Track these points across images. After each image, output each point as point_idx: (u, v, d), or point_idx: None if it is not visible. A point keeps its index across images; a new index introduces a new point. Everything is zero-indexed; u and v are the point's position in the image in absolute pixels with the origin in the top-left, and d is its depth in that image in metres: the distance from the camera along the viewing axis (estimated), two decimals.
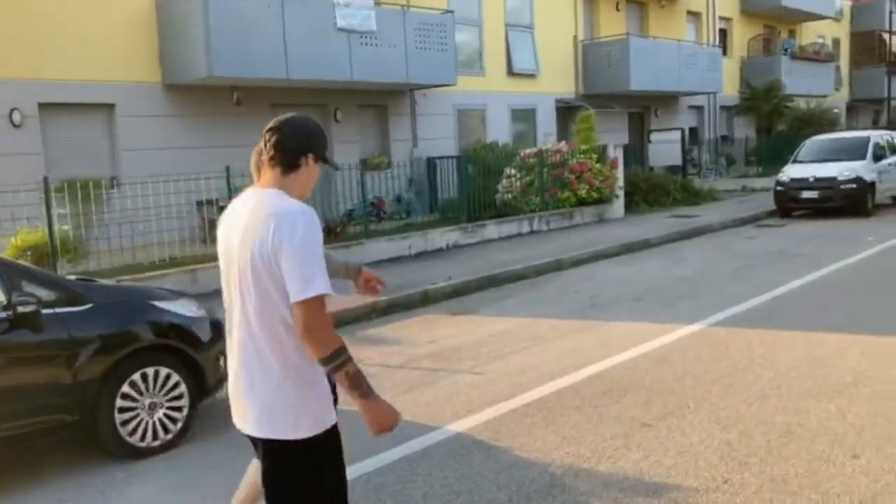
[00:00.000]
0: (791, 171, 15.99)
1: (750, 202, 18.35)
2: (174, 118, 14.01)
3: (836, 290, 8.59)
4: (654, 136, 21.85)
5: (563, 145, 15.93)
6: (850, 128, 31.35)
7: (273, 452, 2.48)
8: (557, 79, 22.22)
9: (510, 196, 15.24)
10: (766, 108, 28.91)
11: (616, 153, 16.14)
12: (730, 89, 29.24)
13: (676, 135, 21.12)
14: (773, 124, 29.80)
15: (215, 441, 5.03)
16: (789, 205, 15.74)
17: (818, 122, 26.83)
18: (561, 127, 22.38)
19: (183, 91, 13.93)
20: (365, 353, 6.99)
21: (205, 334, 5.18)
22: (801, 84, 30.09)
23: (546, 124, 22.16)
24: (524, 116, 22.03)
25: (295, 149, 2.53)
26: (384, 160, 17.27)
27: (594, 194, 15.45)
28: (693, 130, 28.20)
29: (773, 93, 28.59)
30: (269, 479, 2.51)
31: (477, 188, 14.63)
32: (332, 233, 12.49)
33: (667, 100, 26.39)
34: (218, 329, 5.41)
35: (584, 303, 8.61)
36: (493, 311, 8.53)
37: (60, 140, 12.74)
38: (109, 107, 13.28)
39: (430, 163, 17.27)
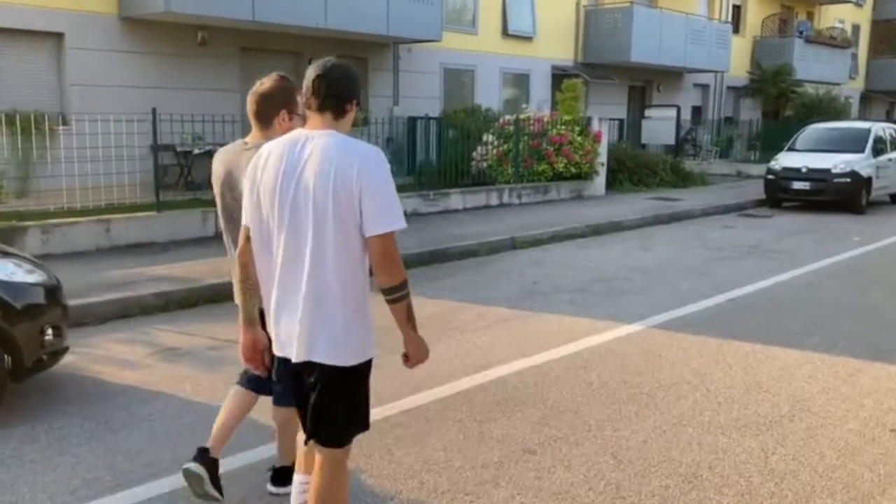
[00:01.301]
0: (784, 160, 15.08)
1: (740, 189, 17.46)
2: (131, 54, 13.09)
3: (803, 295, 7.78)
4: (649, 112, 20.86)
5: (542, 114, 14.99)
6: (862, 119, 30.22)
7: (332, 377, 2.61)
8: (556, 44, 21.16)
9: (486, 164, 14.38)
10: (774, 92, 27.78)
11: (601, 126, 15.21)
12: (739, 70, 28.07)
13: (672, 112, 20.12)
14: (780, 109, 28.69)
15: (35, 427, 4.29)
16: (779, 195, 14.85)
17: (825, 109, 25.70)
18: (556, 96, 21.37)
19: (141, 26, 13.00)
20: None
21: (23, 302, 4.39)
22: (813, 69, 28.89)
23: (540, 91, 21.14)
24: (517, 82, 21.00)
25: (344, 96, 2.62)
26: (361, 117, 16.37)
27: (572, 169, 14.56)
28: (697, 109, 27.14)
29: (782, 76, 27.45)
30: (323, 401, 2.63)
31: (456, 153, 13.78)
32: None
33: (670, 75, 25.27)
34: (54, 296, 4.64)
35: (524, 290, 7.81)
36: (428, 291, 7.73)
37: (1, 69, 11.87)
38: (58, 36, 12.36)
39: (411, 123, 16.37)
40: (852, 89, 34.77)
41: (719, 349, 5.84)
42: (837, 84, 31.27)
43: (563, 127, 14.59)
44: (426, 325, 6.26)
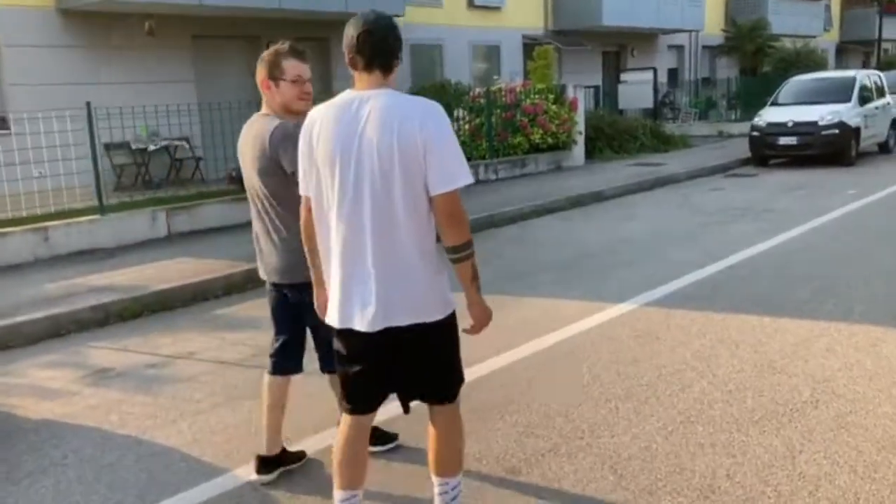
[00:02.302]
0: (768, 115, 14.43)
1: (724, 149, 16.82)
2: (73, 49, 12.25)
3: (806, 257, 7.16)
4: (624, 77, 20.15)
5: (514, 84, 14.26)
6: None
7: (425, 336, 2.55)
8: (525, 12, 20.39)
9: (459, 140, 13.63)
10: (751, 48, 27.13)
11: (576, 94, 14.50)
12: (714, 28, 27.37)
13: (648, 75, 19.43)
14: (758, 65, 28.05)
15: None
16: (765, 152, 14.21)
17: (804, 63, 25.07)
18: (528, 67, 20.63)
19: (82, 18, 12.15)
20: (206, 340, 5.53)
21: None
22: (788, 23, 28.25)
23: (512, 63, 20.37)
24: (487, 54, 20.23)
25: (392, 50, 2.52)
26: (324, 98, 15.60)
27: (550, 140, 13.87)
28: (673, 72, 26.46)
29: (758, 31, 26.78)
30: (425, 361, 2.61)
31: None
32: (237, 181, 10.91)
33: (644, 38, 24.55)
34: None
35: (504, 271, 7.14)
36: None
37: None
38: None
39: None
40: (828, 41, 34.20)
41: (723, 326, 5.20)
42: (812, 37, 30.65)
43: (537, 96, 13.87)
44: None
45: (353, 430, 2.71)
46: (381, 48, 2.47)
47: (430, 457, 2.76)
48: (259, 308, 6.43)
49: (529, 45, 20.76)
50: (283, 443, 3.53)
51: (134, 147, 12.30)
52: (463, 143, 13.51)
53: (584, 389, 4.26)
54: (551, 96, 14.11)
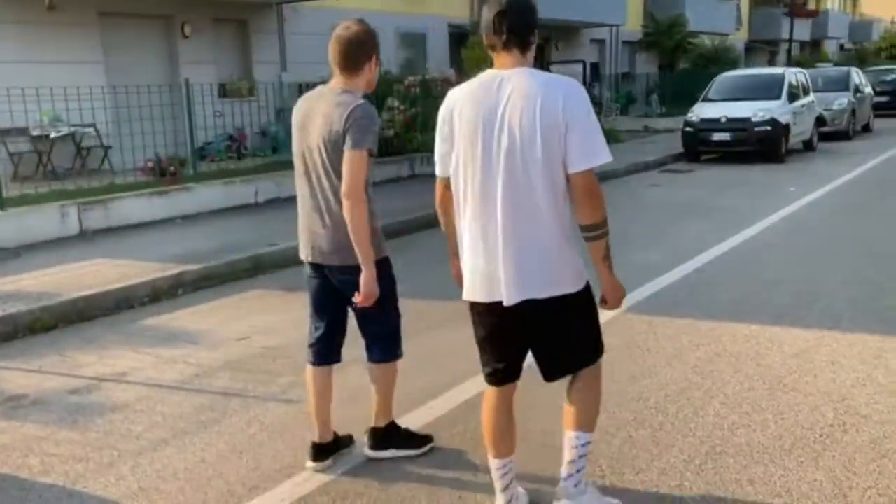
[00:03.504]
0: (701, 111, 14.44)
1: (654, 144, 16.81)
2: None
3: (771, 258, 6.95)
4: (554, 69, 19.90)
5: (450, 73, 13.73)
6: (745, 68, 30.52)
7: (557, 308, 2.61)
8: (450, 0, 19.90)
9: (392, 132, 13.02)
10: (670, 45, 27.51)
11: None
12: (633, 23, 27.60)
13: (578, 68, 19.26)
14: (676, 61, 28.52)
15: None
16: (698, 147, 14.21)
17: (722, 60, 25.63)
18: (454, 56, 20.14)
19: None
20: (136, 358, 4.80)
21: None
22: (703, 21, 28.80)
23: (437, 53, 19.87)
24: (413, 42, 19.65)
25: (527, 28, 2.55)
26: (246, 86, 14.68)
27: None
28: (594, 66, 26.53)
29: (677, 28, 27.18)
30: (565, 330, 2.67)
31: None
32: (166, 173, 10.04)
33: (568, 31, 24.51)
34: None
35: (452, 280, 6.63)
36: None
37: None
38: None
39: (303, 90, 14.75)
40: (737, 40, 35.16)
41: (713, 336, 4.85)
42: (725, 35, 31.39)
43: None
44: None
45: (498, 400, 2.79)
46: (517, 27, 2.51)
47: (568, 411, 2.83)
48: (194, 317, 5.75)
49: (455, 35, 20.32)
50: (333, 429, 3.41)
51: (34, 133, 11.15)
52: (396, 135, 12.93)
53: (543, 430, 3.79)
54: None
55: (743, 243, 7.52)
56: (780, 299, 5.60)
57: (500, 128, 2.48)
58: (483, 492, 3.10)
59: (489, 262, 2.57)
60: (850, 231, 8.03)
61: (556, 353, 2.71)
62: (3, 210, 7.71)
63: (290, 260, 7.27)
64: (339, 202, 3.02)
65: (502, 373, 2.74)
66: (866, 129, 19.46)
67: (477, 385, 4.15)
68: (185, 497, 3.16)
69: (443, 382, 4.22)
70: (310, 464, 3.32)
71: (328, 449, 3.36)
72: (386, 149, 12.73)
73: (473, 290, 2.65)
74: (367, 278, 3.02)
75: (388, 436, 3.41)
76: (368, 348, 3.35)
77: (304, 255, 3.27)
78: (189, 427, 3.82)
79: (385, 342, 3.33)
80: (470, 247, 2.62)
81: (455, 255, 2.78)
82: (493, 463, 2.83)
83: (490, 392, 2.80)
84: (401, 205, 9.57)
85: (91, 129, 11.30)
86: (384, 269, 3.21)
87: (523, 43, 2.53)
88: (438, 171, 2.72)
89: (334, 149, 3.00)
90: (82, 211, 8.21)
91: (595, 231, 2.54)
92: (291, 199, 10.95)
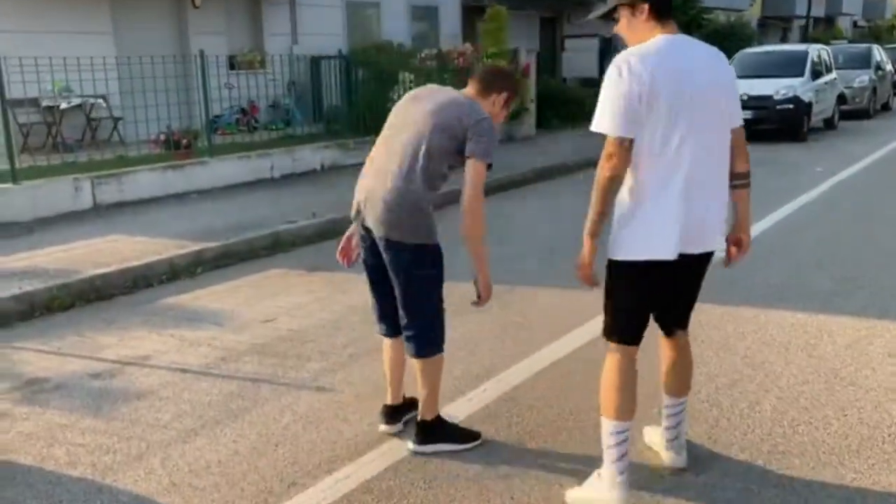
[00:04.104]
0: None
1: None
2: None
3: (806, 240, 6.74)
4: (569, 44, 19.58)
5: (467, 47, 13.42)
6: (760, 45, 30.06)
7: (703, 262, 2.82)
8: None
9: None
10: (684, 20, 26.95)
11: (528, 59, 13.81)
12: None
13: (594, 42, 18.90)
14: (691, 33, 28.06)
15: None
16: None
17: (738, 36, 25.15)
18: (467, 29, 19.77)
19: None
20: (159, 340, 4.62)
21: None
22: None
23: (450, 25, 19.49)
24: (425, 15, 19.26)
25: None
26: (257, 58, 14.38)
27: None
28: (607, 41, 26.10)
29: (691, 3, 26.67)
30: (697, 286, 2.93)
31: (368, 95, 12.06)
32: (179, 146, 9.81)
33: (581, 5, 24.01)
34: None
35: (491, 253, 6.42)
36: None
37: None
38: None
39: (315, 63, 14.46)
40: (750, 16, 34.60)
41: (758, 323, 4.66)
42: (740, 11, 30.86)
43: (490, 61, 13.10)
44: (355, 318, 4.86)
45: (628, 360, 2.84)
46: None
47: (668, 379, 3.03)
48: (215, 297, 5.56)
49: (468, 8, 19.93)
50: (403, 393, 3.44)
51: (44, 104, 10.90)
52: None
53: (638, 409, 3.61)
54: (503, 62, 13.35)
55: (774, 225, 7.30)
56: (822, 285, 5.40)
57: (694, 88, 2.59)
58: (536, 489, 2.93)
59: (699, 215, 2.66)
60: (883, 212, 7.80)
61: (681, 307, 2.98)
62: (16, 183, 7.51)
63: (309, 238, 7.11)
64: (416, 177, 3.01)
65: (638, 332, 2.83)
66: (886, 107, 19.14)
67: (516, 375, 4.00)
68: (221, 494, 2.98)
69: (479, 372, 4.05)
70: (383, 427, 3.37)
71: (400, 411, 3.40)
72: None
73: (671, 244, 2.64)
74: (484, 283, 3.18)
75: (434, 430, 3.24)
76: (408, 340, 3.20)
77: (353, 213, 3.25)
78: (219, 416, 3.64)
79: (422, 334, 3.16)
80: (676, 203, 2.61)
81: (598, 234, 2.70)
82: (618, 426, 2.79)
83: (622, 353, 2.83)
84: None
85: (101, 101, 11.05)
86: (433, 255, 3.11)
87: (668, 12, 2.72)
88: (624, 130, 2.54)
89: (446, 135, 3.01)
90: (96, 185, 8.01)
91: (748, 178, 2.87)
92: (307, 175, 10.86)
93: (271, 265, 6.39)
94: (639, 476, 2.96)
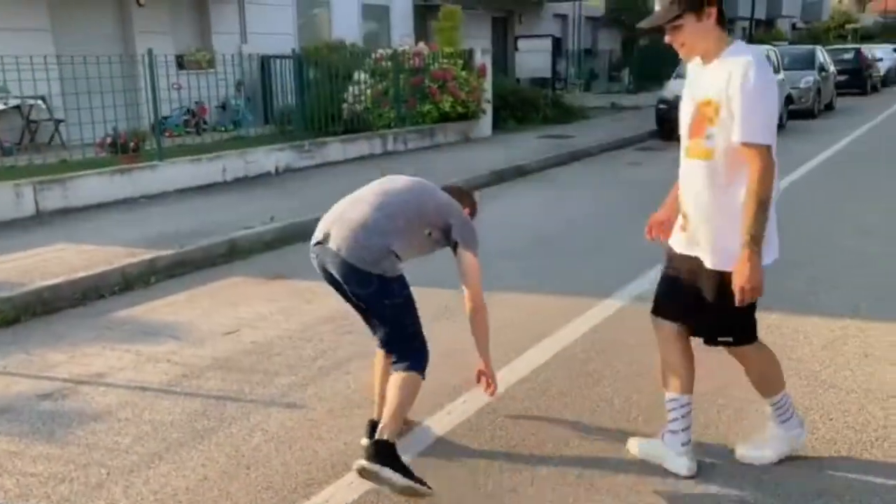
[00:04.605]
0: (675, 88, 14.21)
1: (624, 121, 16.62)
2: None
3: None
4: (521, 44, 19.55)
5: (422, 47, 13.27)
6: None
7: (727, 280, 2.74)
8: None
9: (360, 107, 12.55)
10: (632, 21, 27.33)
11: (483, 59, 13.73)
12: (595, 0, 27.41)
13: (547, 43, 18.92)
14: (637, 39, 28.40)
15: None
16: (674, 125, 13.99)
17: None
18: (419, 29, 19.63)
19: None
20: (113, 356, 4.35)
21: None
22: None
23: (402, 25, 19.33)
24: (377, 14, 19.07)
25: None
26: (206, 57, 13.99)
27: (459, 108, 13.03)
28: (557, 41, 26.26)
29: (640, 4, 27.00)
30: (718, 303, 2.82)
31: (321, 96, 11.82)
32: (125, 150, 9.43)
33: (531, 5, 24.17)
34: None
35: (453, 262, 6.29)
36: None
37: None
38: None
39: (265, 63, 14.14)
40: None
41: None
42: None
43: (445, 61, 12.98)
44: (341, 325, 4.68)
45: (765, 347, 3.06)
46: None
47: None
48: (172, 308, 5.29)
49: (420, 7, 19.80)
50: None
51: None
52: (365, 110, 12.47)
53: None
54: (460, 62, 13.26)
55: None
56: (795, 285, 5.39)
57: None
58: None
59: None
60: (843, 211, 7.90)
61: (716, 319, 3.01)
62: None
63: (268, 244, 6.87)
64: (388, 235, 2.96)
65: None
66: (829, 107, 19.59)
67: (502, 385, 3.85)
68: None
69: (457, 382, 3.88)
70: (365, 441, 3.11)
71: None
72: (355, 124, 12.27)
73: (776, 251, 2.91)
74: (489, 370, 3.34)
75: (389, 454, 2.78)
76: (391, 356, 3.08)
77: (316, 243, 3.04)
78: (183, 437, 3.42)
79: (404, 353, 3.01)
80: (774, 214, 2.82)
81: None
82: (685, 398, 3.00)
83: (760, 344, 3.03)
84: None
85: (40, 102, 10.59)
86: (399, 282, 3.01)
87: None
88: (769, 139, 2.63)
89: (432, 211, 3.12)
90: (38, 190, 7.62)
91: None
92: (261, 178, 10.57)
93: (229, 273, 6.13)
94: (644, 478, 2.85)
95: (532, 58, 18.52)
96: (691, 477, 2.95)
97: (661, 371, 3.10)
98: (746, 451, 3.10)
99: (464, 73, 13.16)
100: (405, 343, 3.04)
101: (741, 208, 2.65)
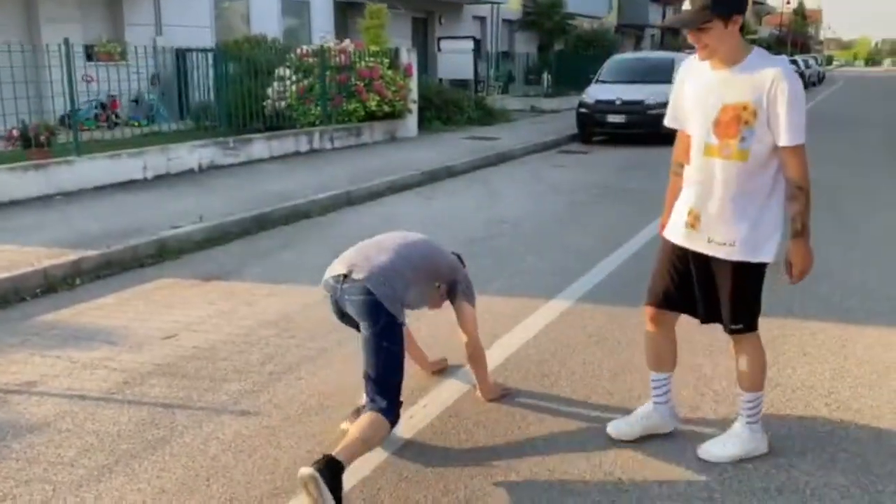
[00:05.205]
0: (595, 93, 14.57)
1: (545, 124, 16.89)
2: None
3: None
4: (444, 45, 19.62)
5: (348, 44, 13.10)
6: (614, 52, 31.48)
7: (753, 270, 2.96)
8: None
9: (284, 104, 12.29)
10: (549, 25, 27.85)
11: (409, 58, 13.67)
12: (514, 3, 27.74)
13: (469, 44, 19.05)
14: (553, 42, 28.94)
15: None
16: (594, 129, 14.35)
17: (600, 42, 26.19)
18: (339, 27, 19.41)
19: None
20: (46, 363, 4.08)
21: None
22: (579, 3, 29.37)
23: (322, 21, 19.08)
24: (296, 10, 18.77)
25: None
26: (117, 48, 13.41)
27: (385, 107, 12.94)
28: (476, 42, 26.48)
29: (556, 9, 27.55)
30: (751, 293, 3.03)
31: (241, 92, 11.50)
32: (35, 144, 8.93)
33: (451, 6, 24.29)
34: None
35: None
36: (266, 273, 5.88)
37: None
38: None
39: (180, 56, 13.67)
40: (609, 23, 36.21)
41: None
42: (599, 18, 32.21)
43: (371, 59, 12.86)
44: (288, 329, 4.56)
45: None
46: None
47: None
48: (102, 312, 5.03)
49: (341, 4, 19.59)
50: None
51: None
52: (289, 107, 12.23)
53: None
54: (386, 60, 13.15)
55: None
56: None
57: None
58: None
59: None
60: None
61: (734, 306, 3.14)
62: None
63: (198, 244, 6.64)
64: (403, 277, 3.18)
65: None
66: None
67: (454, 388, 3.82)
68: None
69: (415, 387, 3.82)
70: (345, 425, 3.23)
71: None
72: (277, 121, 12.01)
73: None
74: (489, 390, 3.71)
75: (338, 477, 2.68)
76: (370, 397, 3.06)
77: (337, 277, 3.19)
78: (134, 449, 3.23)
79: (382, 400, 3.01)
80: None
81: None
82: (668, 376, 3.35)
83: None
84: (310, 181, 9.02)
85: None
86: (400, 333, 3.12)
87: None
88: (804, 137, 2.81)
89: (439, 265, 3.51)
90: None
91: None
92: (184, 175, 10.24)
93: (160, 274, 5.88)
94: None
95: (455, 59, 18.61)
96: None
97: (651, 356, 3.33)
98: (710, 448, 3.17)
99: (390, 73, 13.08)
100: (387, 391, 3.03)
101: (766, 203, 2.88)
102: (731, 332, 3.08)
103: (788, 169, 2.82)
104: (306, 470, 2.63)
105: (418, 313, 3.77)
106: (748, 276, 2.95)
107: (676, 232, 3.09)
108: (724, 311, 3.03)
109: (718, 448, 3.16)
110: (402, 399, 3.09)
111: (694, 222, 2.99)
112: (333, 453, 2.73)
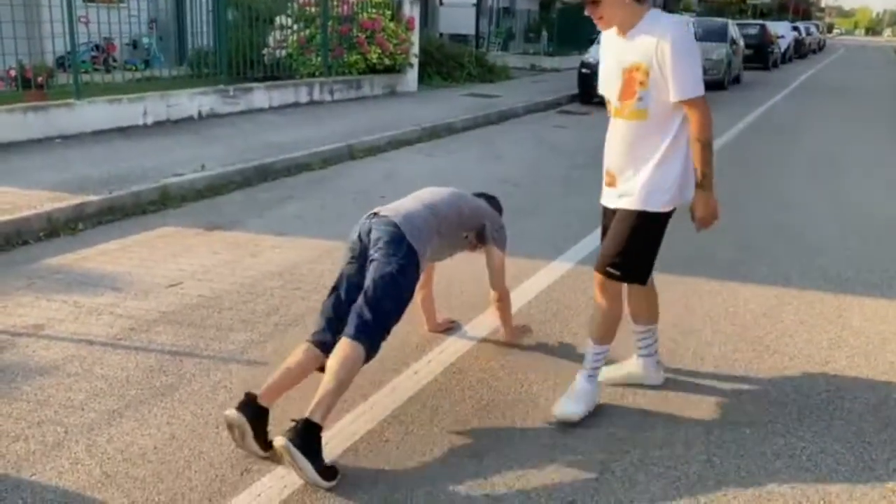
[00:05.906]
0: (598, 53, 14.39)
1: (546, 83, 16.77)
2: None
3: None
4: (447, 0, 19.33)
5: None
6: None
7: (640, 219, 3.05)
8: None
9: (284, 53, 12.14)
10: None
11: (412, 11, 13.49)
12: None
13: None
14: (556, 1, 28.54)
15: None
16: (596, 90, 14.22)
17: None
18: None
19: None
20: (52, 307, 4.11)
21: None
22: None
23: None
24: None
25: None
26: None
27: (386, 60, 12.80)
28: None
29: None
30: (633, 241, 3.08)
31: (240, 39, 11.34)
32: (33, 85, 8.83)
33: None
34: None
35: None
36: (269, 224, 5.88)
37: None
38: None
39: (180, 1, 13.46)
40: None
41: (675, 291, 4.77)
42: None
43: (374, 10, 12.68)
44: (293, 280, 4.60)
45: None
46: None
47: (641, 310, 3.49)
48: (106, 257, 5.04)
49: None
50: None
51: None
52: (289, 57, 12.09)
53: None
54: (388, 12, 12.97)
55: None
56: (725, 253, 5.62)
57: None
58: (510, 472, 2.83)
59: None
60: (759, 184, 8.25)
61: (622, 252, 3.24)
62: None
63: (200, 192, 6.62)
64: (431, 223, 3.25)
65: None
66: (737, 80, 20.35)
67: (458, 344, 3.87)
68: (166, 485, 2.68)
69: (419, 342, 3.89)
70: (230, 412, 2.78)
71: (261, 412, 2.82)
72: (276, 70, 11.87)
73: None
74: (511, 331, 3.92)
75: (313, 440, 2.66)
76: (351, 321, 2.87)
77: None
78: (142, 395, 3.28)
79: (367, 323, 2.86)
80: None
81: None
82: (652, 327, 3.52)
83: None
84: (311, 134, 8.97)
85: None
86: (414, 277, 3.11)
87: None
88: (703, 89, 2.96)
89: (467, 214, 3.61)
90: None
91: None
92: (184, 122, 10.14)
93: (162, 222, 5.87)
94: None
95: (457, 13, 18.35)
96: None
97: (631, 310, 3.45)
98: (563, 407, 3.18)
99: (392, 25, 12.91)
100: (374, 314, 2.89)
101: (668, 155, 2.98)
102: (606, 274, 3.12)
103: (690, 123, 2.93)
104: (279, 440, 2.61)
105: (446, 263, 3.85)
106: (640, 227, 3.04)
107: (603, 194, 3.24)
108: (606, 249, 3.14)
109: (571, 405, 3.19)
110: (387, 334, 2.96)
111: (611, 181, 3.15)
112: (308, 414, 2.68)
